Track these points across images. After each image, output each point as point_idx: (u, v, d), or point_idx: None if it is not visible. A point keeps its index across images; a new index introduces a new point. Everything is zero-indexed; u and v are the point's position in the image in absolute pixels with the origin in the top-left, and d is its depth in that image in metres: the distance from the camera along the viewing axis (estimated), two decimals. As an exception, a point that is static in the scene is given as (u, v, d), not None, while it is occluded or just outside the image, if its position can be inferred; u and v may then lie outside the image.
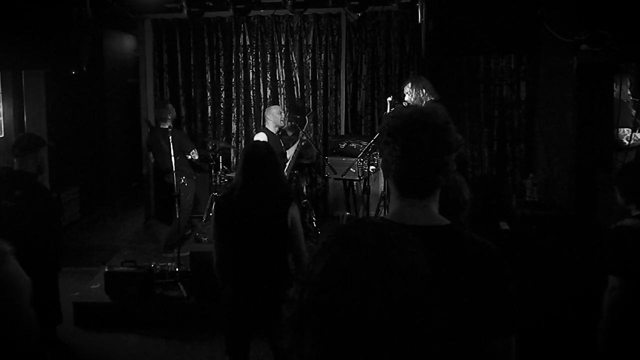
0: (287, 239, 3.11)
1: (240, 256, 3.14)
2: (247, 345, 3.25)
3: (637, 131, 4.78)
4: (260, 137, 5.77)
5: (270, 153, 3.24)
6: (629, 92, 4.92)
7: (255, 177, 3.11)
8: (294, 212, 3.12)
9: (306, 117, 6.48)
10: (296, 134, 6.61)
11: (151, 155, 6.62)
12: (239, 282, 3.16)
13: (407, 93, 5.39)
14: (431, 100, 5.31)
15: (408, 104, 5.25)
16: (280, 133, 6.22)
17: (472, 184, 2.47)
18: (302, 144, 6.26)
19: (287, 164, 5.94)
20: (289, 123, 6.25)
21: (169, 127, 6.17)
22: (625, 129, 4.91)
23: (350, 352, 0.94)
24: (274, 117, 5.96)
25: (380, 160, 1.55)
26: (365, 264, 0.97)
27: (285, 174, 5.87)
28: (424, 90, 5.31)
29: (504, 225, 2.58)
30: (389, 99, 5.51)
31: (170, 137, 5.53)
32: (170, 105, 6.54)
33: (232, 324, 3.21)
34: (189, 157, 6.19)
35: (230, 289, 3.17)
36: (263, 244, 3.10)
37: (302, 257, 3.13)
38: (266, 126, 5.95)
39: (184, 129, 7.36)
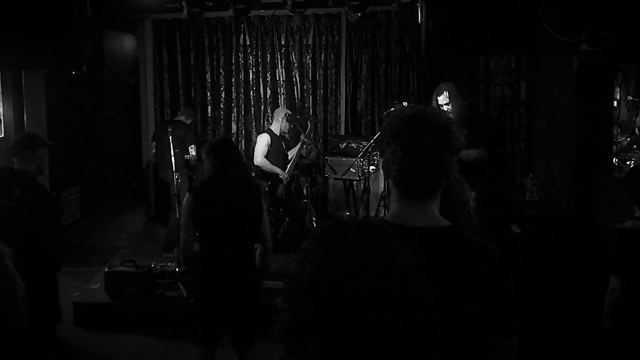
0: (258, 227, 3.31)
1: (216, 247, 3.26)
2: (218, 335, 3.33)
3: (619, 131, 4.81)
4: (263, 138, 5.77)
5: (236, 147, 3.50)
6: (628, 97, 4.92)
7: (227, 170, 3.26)
8: (264, 202, 3.37)
9: (309, 122, 6.47)
10: (297, 136, 6.60)
11: (154, 145, 6.65)
12: (212, 270, 3.27)
13: (445, 104, 5.00)
14: (466, 105, 5.13)
15: (449, 111, 5.00)
16: (282, 135, 6.20)
17: (479, 185, 2.47)
18: (304, 147, 6.26)
19: (289, 165, 5.94)
20: (290, 126, 6.24)
21: (182, 120, 6.31)
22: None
23: (351, 353, 0.93)
24: (280, 122, 5.98)
25: (381, 160, 1.54)
26: (352, 263, 0.97)
27: (287, 175, 5.87)
28: (460, 97, 5.11)
29: (516, 229, 2.59)
30: (404, 104, 5.34)
31: (170, 129, 5.53)
32: (195, 109, 7.03)
33: (203, 313, 3.30)
34: (187, 156, 6.20)
35: (201, 277, 3.29)
36: (237, 234, 3.25)
37: (268, 241, 3.38)
38: (270, 127, 5.95)
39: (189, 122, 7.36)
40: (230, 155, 3.32)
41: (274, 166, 5.78)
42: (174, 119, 6.60)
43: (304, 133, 6.16)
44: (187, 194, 3.34)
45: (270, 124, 6.07)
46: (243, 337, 3.32)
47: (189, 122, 6.64)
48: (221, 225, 3.23)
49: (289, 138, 6.68)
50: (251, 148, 7.14)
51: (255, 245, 3.42)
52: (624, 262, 2.62)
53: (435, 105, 5.07)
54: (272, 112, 6.44)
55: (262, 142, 5.76)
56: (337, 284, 0.95)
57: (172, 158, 5.39)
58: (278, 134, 5.95)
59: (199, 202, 3.23)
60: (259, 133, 6.17)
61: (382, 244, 1.01)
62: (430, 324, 0.99)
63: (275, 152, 5.85)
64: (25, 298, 1.60)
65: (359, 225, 1.04)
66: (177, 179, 5.46)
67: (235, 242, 3.26)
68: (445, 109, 4.99)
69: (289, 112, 6.27)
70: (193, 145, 6.27)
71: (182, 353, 4.38)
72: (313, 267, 0.98)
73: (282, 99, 7.39)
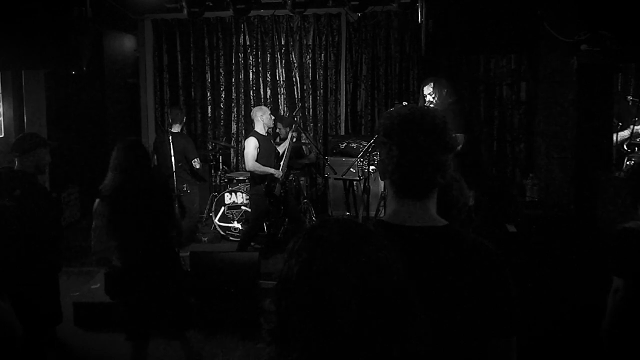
0: (170, 220, 3.56)
1: (134, 247, 3.39)
2: (149, 329, 3.50)
3: (619, 128, 4.80)
4: (251, 142, 5.72)
5: (142, 148, 3.58)
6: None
7: (135, 172, 3.39)
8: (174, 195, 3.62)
9: (294, 116, 6.41)
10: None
11: (155, 158, 6.65)
12: (134, 268, 3.40)
13: (429, 94, 5.21)
14: (450, 101, 5.21)
15: (430, 104, 5.11)
16: (269, 133, 6.14)
17: (478, 184, 2.47)
18: (294, 140, 6.20)
19: (282, 162, 5.91)
20: (273, 118, 6.15)
21: (181, 130, 6.27)
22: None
23: (338, 352, 0.94)
24: (261, 119, 5.89)
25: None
26: (337, 263, 0.97)
27: (281, 172, 5.84)
28: (445, 91, 5.20)
29: (511, 228, 2.57)
30: (404, 104, 5.39)
31: (171, 139, 5.54)
32: (182, 109, 6.74)
33: (132, 310, 3.43)
34: (196, 165, 6.18)
35: (124, 276, 3.43)
36: (154, 231, 3.41)
37: (180, 226, 3.85)
38: (255, 129, 5.88)
39: (184, 129, 7.36)
40: (136, 157, 3.44)
41: (266, 167, 5.74)
42: (171, 131, 6.46)
43: (295, 123, 6.11)
44: (97, 200, 3.42)
45: (253, 126, 5.98)
46: (175, 325, 3.57)
47: (183, 122, 6.56)
48: (137, 226, 3.36)
49: (283, 130, 6.60)
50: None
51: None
52: (627, 263, 2.60)
53: (422, 95, 5.18)
54: (251, 115, 6.28)
55: (251, 147, 5.70)
56: (323, 283, 0.95)
57: (173, 166, 5.41)
58: (264, 134, 5.89)
59: (112, 207, 3.36)
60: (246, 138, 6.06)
61: (367, 242, 1.01)
62: (419, 322, 1.00)
63: (266, 153, 5.80)
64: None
65: (344, 225, 1.05)
66: (185, 190, 5.50)
67: (152, 240, 3.41)
68: (428, 99, 5.09)
69: (265, 109, 6.19)
70: (196, 159, 6.19)
71: (182, 353, 4.37)
72: (299, 268, 0.99)
73: (282, 99, 7.39)
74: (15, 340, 1.56)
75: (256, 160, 5.69)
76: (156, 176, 3.60)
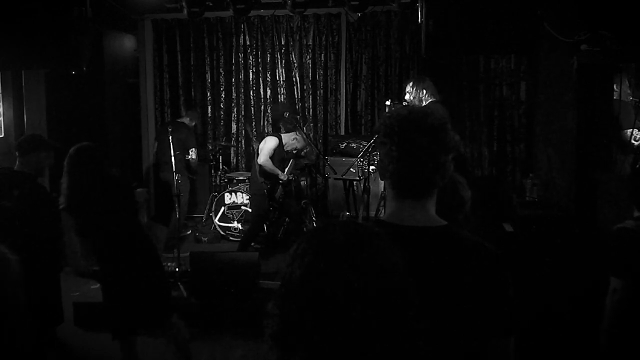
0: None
1: (109, 250, 3.39)
2: (134, 328, 3.56)
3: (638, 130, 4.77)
4: (273, 140, 5.75)
5: (87, 151, 3.43)
6: (628, 92, 4.90)
7: (85, 176, 3.35)
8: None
9: (304, 127, 6.43)
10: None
11: (155, 145, 6.68)
12: (113, 270, 3.42)
13: (407, 92, 5.32)
14: (431, 101, 5.27)
15: (407, 103, 5.21)
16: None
17: (475, 184, 2.46)
18: (303, 153, 6.24)
19: (287, 168, 5.93)
20: (290, 126, 6.17)
21: (186, 122, 6.36)
22: (629, 130, 4.90)
23: (343, 352, 0.94)
24: (288, 133, 5.91)
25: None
26: (342, 266, 0.97)
27: (285, 176, 5.87)
28: (424, 91, 5.24)
29: (508, 227, 2.57)
30: (387, 102, 5.46)
31: (171, 130, 5.53)
32: (199, 113, 7.13)
33: (115, 309, 3.48)
34: (187, 157, 6.22)
35: (106, 278, 3.46)
36: (125, 226, 3.43)
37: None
38: (281, 133, 5.91)
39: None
40: (79, 163, 3.36)
41: (275, 167, 5.77)
42: (177, 120, 6.61)
43: (304, 132, 6.13)
44: (62, 212, 3.41)
45: (279, 129, 6.02)
46: (156, 317, 3.59)
47: (192, 124, 6.67)
48: (103, 228, 3.36)
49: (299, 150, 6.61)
50: (251, 148, 7.14)
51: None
52: (625, 263, 2.60)
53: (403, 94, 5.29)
54: (279, 119, 6.27)
55: (271, 144, 5.73)
56: (327, 287, 0.95)
57: (172, 159, 5.39)
58: (285, 143, 5.92)
59: (77, 216, 3.36)
60: (260, 133, 6.11)
61: (371, 245, 1.01)
62: (419, 322, 1.00)
63: (279, 157, 5.84)
64: (22, 283, 1.59)
65: (347, 228, 1.05)
66: (177, 180, 5.47)
67: (123, 237, 3.40)
68: (406, 97, 5.17)
69: (297, 117, 6.21)
70: (194, 149, 6.29)
71: (170, 346, 4.36)
72: (303, 271, 0.98)
73: (282, 99, 7.39)
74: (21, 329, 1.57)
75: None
76: (113, 175, 3.56)
